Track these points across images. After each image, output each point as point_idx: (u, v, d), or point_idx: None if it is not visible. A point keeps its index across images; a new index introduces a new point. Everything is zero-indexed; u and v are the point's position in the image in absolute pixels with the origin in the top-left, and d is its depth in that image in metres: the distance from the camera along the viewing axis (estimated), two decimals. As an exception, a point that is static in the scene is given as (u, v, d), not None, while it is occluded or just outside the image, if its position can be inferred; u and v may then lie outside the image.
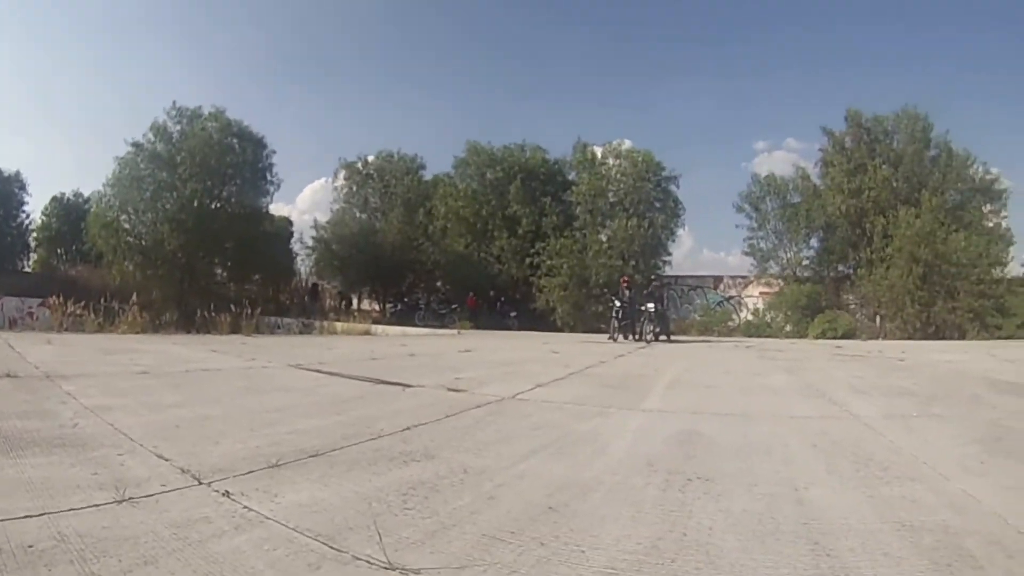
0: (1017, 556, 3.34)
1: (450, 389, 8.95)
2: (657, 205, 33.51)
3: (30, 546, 2.97)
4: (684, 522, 3.77)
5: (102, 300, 19.93)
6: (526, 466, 4.98)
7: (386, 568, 2.99)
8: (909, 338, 26.28)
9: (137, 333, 18.30)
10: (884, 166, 30.06)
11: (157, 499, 3.83)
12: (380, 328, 25.75)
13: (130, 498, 3.77)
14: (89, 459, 4.64)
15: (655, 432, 6.42)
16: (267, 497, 3.95)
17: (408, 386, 9.14)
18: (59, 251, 40.84)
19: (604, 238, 32.49)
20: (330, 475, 4.50)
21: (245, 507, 3.76)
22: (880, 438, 6.29)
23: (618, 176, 33.79)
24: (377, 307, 38.95)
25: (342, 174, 40.13)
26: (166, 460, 4.69)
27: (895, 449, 5.83)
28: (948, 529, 3.72)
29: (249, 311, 22.17)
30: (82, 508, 3.58)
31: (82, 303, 19.10)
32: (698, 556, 3.28)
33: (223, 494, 3.98)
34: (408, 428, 6.19)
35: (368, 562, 3.05)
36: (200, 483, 4.19)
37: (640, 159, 33.76)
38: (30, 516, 3.37)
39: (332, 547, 3.22)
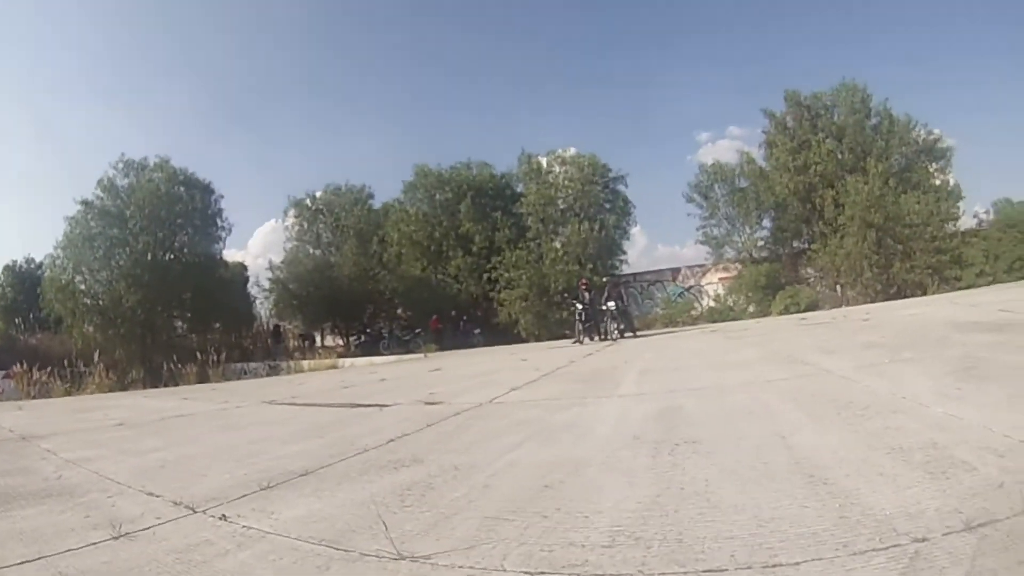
0: (1008, 455, 3.46)
1: (427, 403, 8.91)
2: (607, 207, 33.16)
3: None
4: (679, 479, 3.84)
5: (66, 365, 19.66)
6: (515, 456, 5.01)
7: (396, 559, 3.01)
8: (872, 301, 26.50)
9: (106, 392, 18.08)
10: (827, 140, 30.24)
11: (154, 531, 3.81)
12: (347, 361, 25.54)
13: (127, 533, 3.75)
14: (79, 504, 4.60)
15: (635, 412, 6.48)
16: (264, 515, 3.94)
17: (385, 406, 9.10)
18: (16, 320, 39.97)
19: (559, 245, 32.05)
20: (322, 489, 4.50)
21: (244, 527, 3.75)
22: (855, 385, 6.42)
23: (566, 183, 33.30)
24: (341, 342, 38.52)
25: (292, 212, 39.47)
26: (157, 496, 4.66)
27: (872, 392, 5.96)
28: (936, 445, 3.84)
29: (215, 358, 21.98)
30: (79, 548, 3.56)
31: (47, 370, 18.83)
32: (699, 504, 3.34)
33: (220, 518, 3.97)
34: (392, 440, 6.18)
35: (377, 556, 3.07)
36: (195, 511, 4.17)
37: (586, 163, 33.58)
38: (27, 561, 3.35)
39: (338, 549, 3.23)
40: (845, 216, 28.33)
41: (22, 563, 3.32)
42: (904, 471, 3.45)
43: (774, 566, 2.50)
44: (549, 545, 3.00)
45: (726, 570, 2.52)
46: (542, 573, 2.69)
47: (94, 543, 3.63)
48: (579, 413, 6.81)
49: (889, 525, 2.74)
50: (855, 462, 3.73)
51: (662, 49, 71.52)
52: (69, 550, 3.52)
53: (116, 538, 3.67)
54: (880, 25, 62.72)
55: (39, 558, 3.40)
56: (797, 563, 2.50)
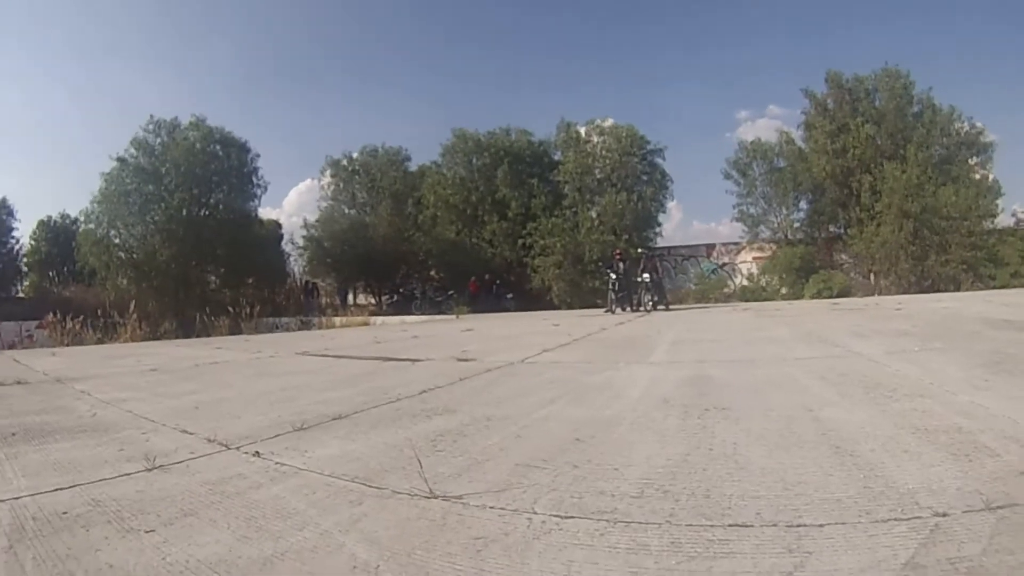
0: (1031, 446, 3.46)
1: (459, 360, 9.00)
2: (644, 178, 33.34)
3: (64, 512, 3.02)
4: (708, 440, 3.88)
5: (99, 315, 19.83)
6: (547, 412, 5.06)
7: (428, 497, 3.07)
8: (904, 292, 26.32)
9: (138, 342, 18.27)
10: (867, 124, 29.97)
11: (188, 464, 3.90)
12: (379, 319, 25.76)
13: (160, 465, 3.83)
14: (113, 439, 4.69)
15: (666, 378, 6.50)
16: (297, 454, 4.02)
17: (417, 360, 9.21)
18: (51, 274, 40.30)
19: (594, 214, 32.35)
20: (356, 432, 4.57)
21: (278, 463, 3.83)
22: (885, 369, 6.40)
23: (603, 153, 33.65)
24: (373, 300, 38.77)
25: (328, 172, 39.94)
26: (191, 434, 4.75)
27: (901, 376, 5.93)
28: (962, 430, 3.84)
29: (248, 312, 22.22)
30: (113, 478, 3.63)
31: (80, 319, 19.07)
32: (728, 465, 3.38)
33: (253, 454, 4.05)
34: (425, 391, 6.26)
35: (410, 495, 3.12)
36: (228, 448, 4.25)
37: (624, 134, 33.64)
38: (60, 489, 3.42)
39: (371, 486, 3.30)
40: (882, 203, 28.07)
41: (56, 491, 3.39)
42: (928, 450, 3.46)
43: (798, 526, 2.53)
44: (579, 492, 3.05)
45: (751, 526, 2.56)
46: (572, 517, 2.73)
47: (128, 474, 3.70)
48: (611, 376, 6.84)
49: (911, 498, 2.76)
50: (881, 438, 3.74)
51: (705, 23, 70.83)
52: (103, 479, 3.60)
53: (150, 470, 3.74)
54: (929, 14, 61.52)
55: (73, 486, 3.47)
56: (821, 525, 2.52)
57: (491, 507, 2.91)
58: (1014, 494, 2.75)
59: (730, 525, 2.58)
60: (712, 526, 2.58)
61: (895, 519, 2.56)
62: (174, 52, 75.46)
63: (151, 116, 31.55)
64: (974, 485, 2.89)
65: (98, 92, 73.28)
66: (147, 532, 2.76)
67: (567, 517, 2.74)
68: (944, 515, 2.57)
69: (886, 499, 2.78)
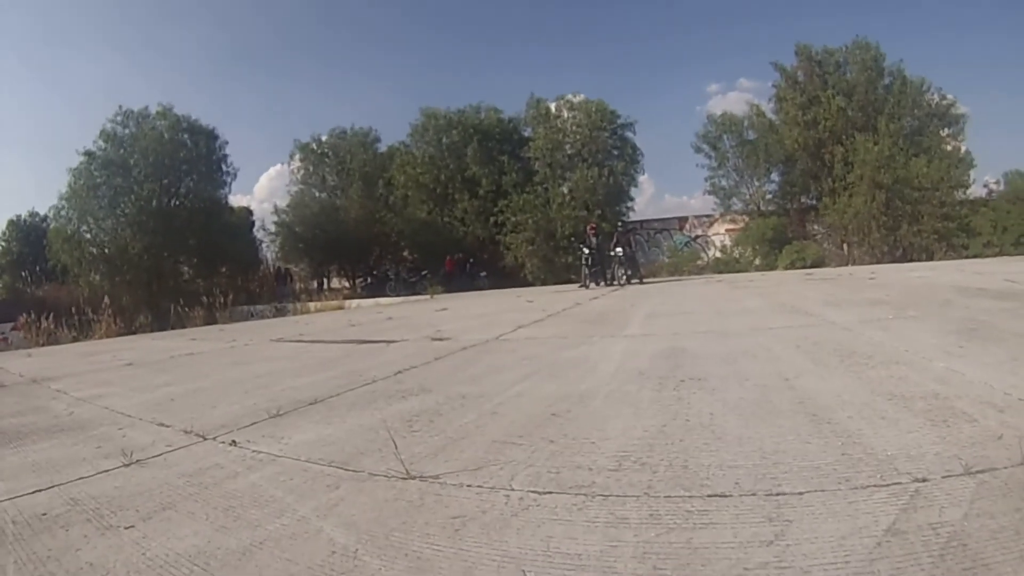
0: (1007, 411, 3.48)
1: (434, 339, 9.01)
2: (615, 153, 33.05)
3: (43, 514, 3.01)
4: (685, 411, 3.89)
5: (74, 313, 19.69)
6: (521, 387, 5.07)
7: (405, 478, 3.07)
8: (878, 262, 26.48)
9: (114, 337, 18.17)
10: (838, 96, 30.08)
11: (165, 457, 3.88)
12: (353, 303, 25.68)
13: (138, 460, 3.81)
14: (90, 437, 4.67)
15: (641, 351, 6.51)
16: (274, 441, 4.01)
17: (392, 342, 9.19)
18: (23, 274, 39.88)
19: (566, 190, 32.03)
20: (331, 416, 4.56)
21: (254, 451, 3.82)
22: (859, 337, 6.42)
23: (574, 128, 33.35)
24: (347, 284, 38.69)
25: (297, 156, 39.51)
26: (167, 427, 4.72)
27: (876, 344, 5.96)
28: (938, 395, 3.86)
29: (222, 301, 22.10)
30: (91, 475, 3.63)
31: (54, 319, 18.88)
32: (704, 435, 3.39)
33: (230, 444, 4.04)
34: (400, 372, 6.27)
35: (386, 476, 3.13)
36: (205, 439, 4.24)
37: (594, 109, 33.38)
38: (39, 490, 3.41)
39: (347, 469, 3.30)
40: (854, 174, 28.23)
41: (35, 492, 3.38)
42: (906, 417, 3.48)
43: (777, 495, 2.54)
44: (556, 467, 3.05)
45: (730, 495, 2.57)
46: (549, 492, 2.73)
47: (106, 470, 3.69)
48: (585, 351, 6.85)
49: (890, 465, 2.78)
50: (857, 405, 3.76)
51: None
52: (81, 478, 3.59)
53: (127, 465, 3.73)
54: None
55: (52, 487, 3.46)
56: (800, 493, 2.54)
57: (468, 485, 2.92)
58: (993, 458, 2.78)
59: (709, 495, 2.59)
60: (691, 497, 2.59)
61: (875, 485, 2.58)
62: (137, 41, 74.33)
63: (119, 107, 31.18)
64: (953, 450, 2.91)
65: (67, 81, 72.25)
66: (126, 528, 2.75)
67: (545, 493, 2.75)
68: (924, 480, 2.59)
69: (865, 466, 2.79)
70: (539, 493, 2.74)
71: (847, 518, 2.30)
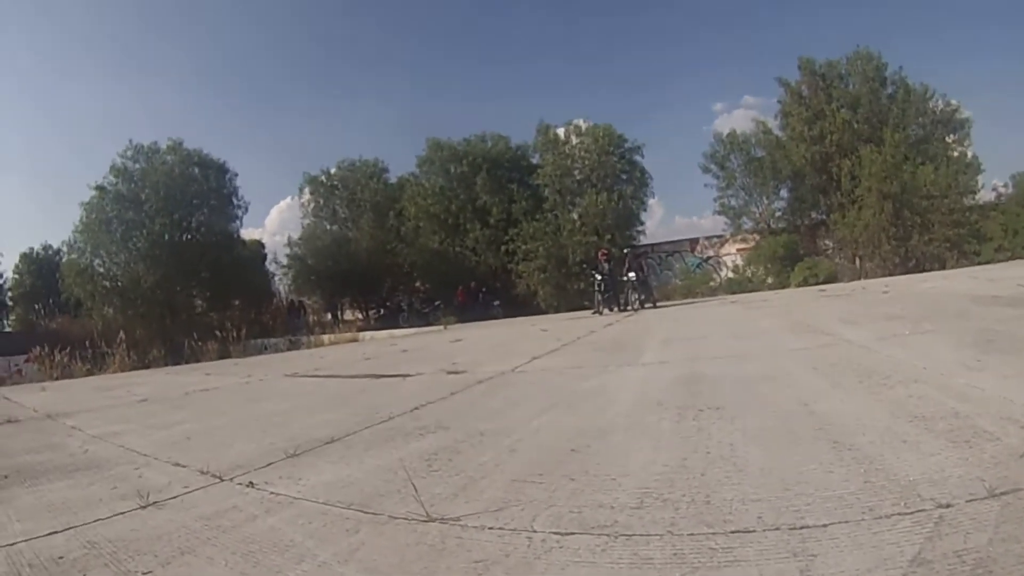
0: (1028, 425, 3.46)
1: (449, 372, 8.96)
2: (624, 177, 33.18)
3: (60, 557, 2.99)
4: (705, 443, 3.86)
5: (88, 346, 19.71)
6: (540, 422, 5.04)
7: (425, 521, 3.03)
8: (890, 274, 26.34)
9: (127, 371, 18.18)
10: (843, 109, 30.02)
11: (182, 499, 3.85)
12: (367, 334, 25.69)
13: (155, 502, 3.79)
14: (106, 477, 4.64)
15: (658, 379, 6.49)
16: (291, 482, 3.98)
17: (407, 376, 9.16)
18: (37, 306, 40.12)
19: (576, 216, 32.13)
20: (349, 456, 4.52)
21: (272, 493, 3.79)
22: (877, 355, 6.40)
23: (582, 153, 33.45)
24: (360, 315, 38.69)
25: (307, 189, 39.65)
26: (183, 467, 4.69)
27: (894, 362, 5.93)
28: (959, 415, 3.83)
29: (235, 335, 22.13)
30: (108, 517, 3.59)
31: (67, 351, 18.89)
32: (726, 467, 3.36)
33: (247, 485, 4.00)
34: (417, 408, 6.22)
35: (407, 519, 3.09)
36: (222, 480, 4.21)
37: (601, 134, 33.32)
38: (55, 532, 3.38)
39: (367, 512, 3.26)
40: (862, 187, 28.16)
41: (51, 534, 3.35)
42: (927, 439, 3.45)
43: (801, 528, 2.52)
44: (578, 507, 3.02)
45: (754, 531, 2.54)
46: (572, 533, 2.70)
47: (122, 512, 3.65)
48: (602, 381, 6.82)
49: (913, 491, 2.76)
50: (878, 429, 3.73)
51: (675, 18, 71.07)
52: (98, 520, 3.56)
53: (144, 507, 3.70)
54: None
55: (68, 528, 3.43)
56: (824, 525, 2.52)
57: (489, 528, 2.88)
58: (1016, 478, 2.76)
59: (732, 532, 2.56)
60: (714, 534, 2.56)
61: (898, 514, 2.56)
62: (145, 74, 74.92)
63: (129, 141, 31.36)
64: (976, 472, 2.89)
65: (77, 118, 72.85)
66: (145, 574, 2.73)
67: (567, 534, 2.72)
68: (948, 506, 2.57)
69: (888, 493, 2.77)
70: (561, 534, 2.71)
71: (872, 549, 2.28)
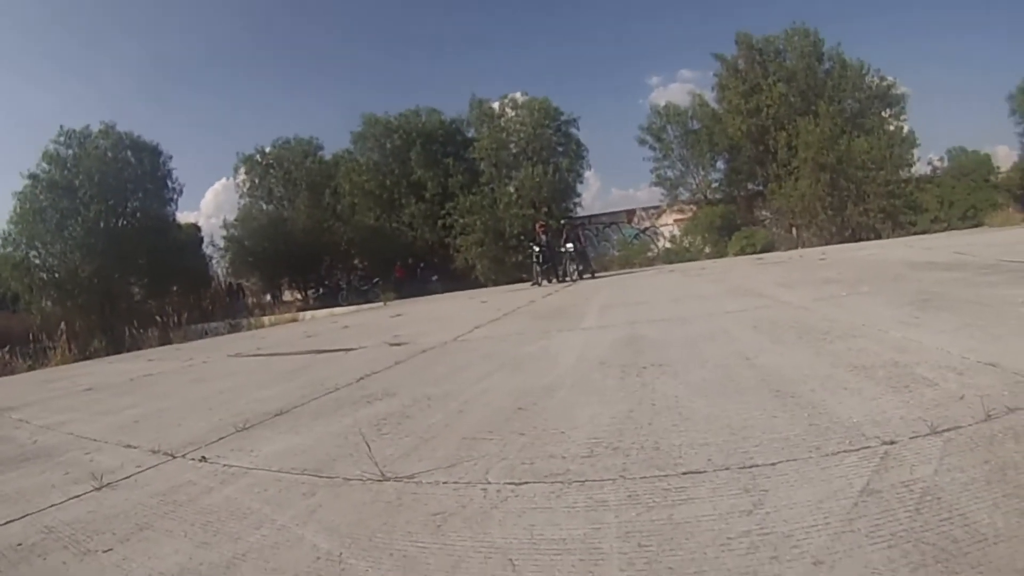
0: (966, 373, 3.59)
1: (392, 344, 8.96)
2: (560, 150, 33.24)
3: (19, 544, 2.96)
4: (650, 396, 3.94)
5: (29, 341, 19.30)
6: (486, 384, 5.10)
7: (380, 480, 3.07)
8: (827, 244, 26.85)
9: (70, 364, 17.82)
10: (779, 83, 30.41)
11: (135, 479, 3.82)
12: (307, 314, 25.39)
13: (108, 483, 3.76)
14: (57, 464, 4.58)
15: (600, 342, 6.59)
16: (244, 454, 3.97)
17: (350, 349, 9.17)
18: (-29, 303, 39.07)
19: (512, 189, 32.21)
20: (299, 426, 4.53)
21: (225, 465, 3.79)
22: (815, 314, 6.55)
23: (517, 127, 33.59)
24: (299, 296, 38.26)
25: (242, 168, 38.98)
26: (134, 448, 4.64)
27: (832, 319, 6.09)
28: (897, 364, 3.97)
29: (175, 320, 21.80)
30: (62, 502, 3.56)
31: (7, 348, 18.49)
32: (672, 416, 3.45)
33: (200, 460, 3.99)
34: (362, 378, 6.23)
35: (362, 480, 3.13)
36: (174, 457, 4.18)
37: (537, 107, 33.41)
38: (12, 521, 3.35)
39: (322, 476, 3.29)
40: (798, 158, 28.56)
41: (7, 523, 3.31)
42: (868, 386, 3.57)
43: (751, 467, 2.61)
44: (530, 458, 3.09)
45: (705, 471, 2.62)
46: (526, 483, 2.77)
47: (77, 496, 3.63)
48: (545, 345, 6.90)
49: (858, 431, 2.86)
50: (820, 378, 3.85)
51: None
52: (53, 505, 3.53)
53: (98, 489, 3.68)
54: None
55: (24, 516, 3.39)
56: (773, 463, 2.62)
57: (444, 483, 2.94)
58: (956, 417, 2.88)
59: (684, 473, 2.65)
60: (666, 476, 2.64)
61: (844, 451, 2.66)
62: (73, 60, 72.99)
63: (61, 127, 30.48)
64: (917, 413, 3.00)
65: (5, 106, 70.68)
66: (105, 552, 2.72)
67: (521, 483, 2.78)
68: (892, 443, 2.68)
69: (833, 434, 2.87)
70: (516, 484, 2.77)
71: (822, 483, 2.37)
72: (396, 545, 2.34)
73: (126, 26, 74.42)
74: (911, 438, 2.70)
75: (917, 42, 60.55)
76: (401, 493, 2.88)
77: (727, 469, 2.61)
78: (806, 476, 2.45)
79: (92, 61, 72.33)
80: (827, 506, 2.17)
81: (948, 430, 2.73)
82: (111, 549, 2.73)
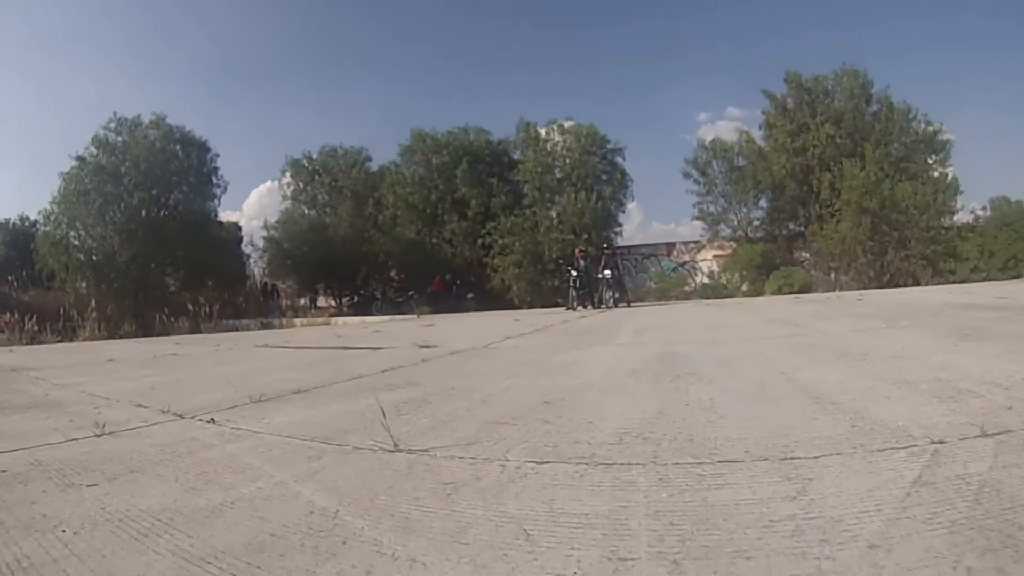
0: (1012, 388, 3.46)
1: (421, 346, 8.85)
2: (604, 178, 33.12)
3: (3, 471, 2.95)
4: (683, 398, 3.79)
5: (59, 318, 19.54)
6: (512, 383, 4.96)
7: (392, 451, 2.94)
8: (864, 287, 26.56)
9: (98, 341, 17.99)
10: (826, 124, 30.15)
11: (138, 431, 3.78)
12: (340, 319, 25.46)
13: (110, 432, 3.71)
14: (64, 413, 4.57)
15: (633, 356, 6.41)
16: (255, 420, 3.89)
17: (379, 348, 9.07)
18: (10, 278, 39.44)
19: (554, 214, 32.19)
20: (316, 403, 4.44)
21: (233, 428, 3.71)
22: (853, 342, 6.39)
23: (563, 152, 33.47)
24: (333, 302, 38.40)
25: (288, 172, 39.31)
26: (144, 407, 4.60)
27: (871, 346, 5.93)
28: (941, 380, 3.82)
29: (207, 312, 21.95)
30: (59, 443, 3.55)
31: (35, 320, 18.65)
32: (707, 415, 3.30)
33: (208, 421, 3.93)
34: (386, 370, 6.14)
35: (372, 450, 3.00)
36: (183, 418, 4.11)
37: (584, 133, 33.38)
38: (3, 453, 3.33)
39: (331, 444, 3.18)
40: (841, 200, 28.29)
41: (-1, 453, 3.27)
42: (911, 396, 3.44)
43: (791, 459, 2.48)
44: (553, 443, 2.94)
45: (742, 461, 2.49)
46: (548, 462, 2.62)
47: (75, 439, 3.61)
48: (577, 356, 6.75)
49: (904, 432, 2.74)
50: (861, 390, 3.70)
51: (663, 26, 71.29)
52: (49, 444, 3.52)
53: (98, 436, 3.64)
54: (885, 13, 62.18)
55: (16, 450, 3.38)
56: (815, 456, 2.49)
57: (460, 457, 2.81)
58: (1007, 423, 2.76)
59: (719, 461, 2.51)
60: (700, 463, 2.51)
61: (891, 448, 2.53)
62: (131, 53, 74.17)
63: (114, 113, 30.82)
64: (964, 419, 2.88)
65: (61, 89, 71.87)
66: (89, 486, 2.66)
67: (543, 462, 2.64)
68: (941, 442, 2.55)
69: (877, 434, 2.74)
70: (537, 463, 2.63)
71: (870, 475, 2.24)
72: (399, 508, 2.20)
73: (184, 24, 75.52)
74: (961, 439, 2.58)
75: (960, 87, 60.04)
76: (412, 464, 2.75)
77: (766, 460, 2.47)
78: (852, 468, 2.31)
79: (147, 55, 73.27)
80: (878, 495, 2.02)
81: (999, 433, 2.62)
82: (95, 485, 2.69)
